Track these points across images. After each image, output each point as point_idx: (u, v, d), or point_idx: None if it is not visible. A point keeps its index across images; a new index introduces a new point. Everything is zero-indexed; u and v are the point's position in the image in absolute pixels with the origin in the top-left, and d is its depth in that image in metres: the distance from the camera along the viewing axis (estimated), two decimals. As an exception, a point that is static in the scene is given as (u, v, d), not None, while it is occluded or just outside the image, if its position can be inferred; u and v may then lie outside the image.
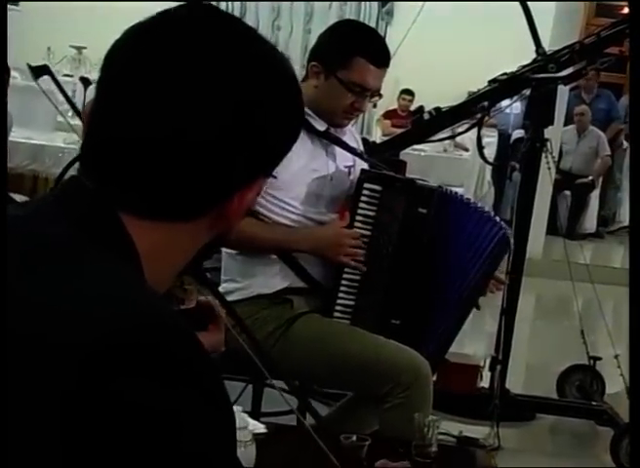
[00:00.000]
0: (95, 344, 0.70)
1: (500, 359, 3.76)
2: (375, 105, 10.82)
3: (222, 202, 0.89)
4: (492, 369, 3.82)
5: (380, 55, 2.64)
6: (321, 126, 2.65)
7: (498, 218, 2.80)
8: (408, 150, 6.26)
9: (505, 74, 3.84)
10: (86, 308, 0.73)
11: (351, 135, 2.83)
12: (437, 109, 3.76)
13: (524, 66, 3.82)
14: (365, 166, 2.73)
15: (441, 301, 2.70)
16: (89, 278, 0.77)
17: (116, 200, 0.85)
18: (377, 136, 9.22)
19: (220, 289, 2.61)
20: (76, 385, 0.68)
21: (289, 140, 0.94)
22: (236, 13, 10.60)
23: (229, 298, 2.52)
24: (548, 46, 4.26)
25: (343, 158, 2.73)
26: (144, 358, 0.70)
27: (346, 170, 2.74)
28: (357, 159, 2.78)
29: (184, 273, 0.95)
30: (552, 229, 7.75)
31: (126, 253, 0.83)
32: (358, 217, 2.63)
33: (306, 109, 2.61)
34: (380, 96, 2.73)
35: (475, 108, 3.78)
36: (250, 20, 10.58)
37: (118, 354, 0.70)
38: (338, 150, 2.71)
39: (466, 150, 9.13)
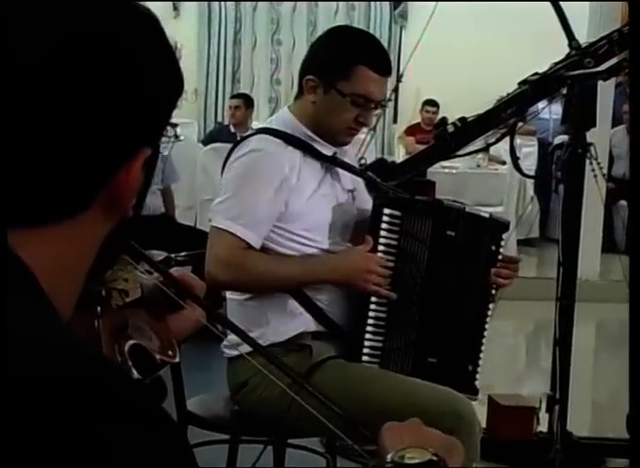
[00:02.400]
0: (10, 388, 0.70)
1: (558, 397, 3.74)
2: (395, 120, 10.87)
3: (105, 184, 0.86)
4: (549, 409, 3.80)
5: (382, 62, 2.67)
6: (328, 150, 2.69)
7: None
8: (436, 169, 6.29)
9: (537, 74, 3.85)
10: None
11: (351, 155, 2.87)
12: (462, 119, 3.77)
13: (557, 63, 3.83)
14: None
15: (471, 320, 2.77)
16: None
17: None
18: (399, 156, 9.25)
19: (226, 342, 2.63)
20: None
21: (162, 98, 0.90)
22: (230, 28, 10.69)
23: (237, 351, 2.54)
24: (586, 38, 4.29)
25: (346, 182, 2.77)
26: (68, 396, 0.70)
27: (350, 194, 2.77)
28: (359, 183, 2.81)
29: (95, 276, 0.92)
30: (609, 246, 7.73)
31: (20, 280, 0.81)
32: (380, 248, 2.66)
33: (309, 132, 2.64)
34: (384, 106, 2.76)
35: (505, 115, 3.80)
36: (246, 36, 10.68)
37: (36, 395, 0.69)
38: (340, 173, 2.75)
39: (503, 163, 9.14)
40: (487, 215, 2.85)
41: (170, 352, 1.44)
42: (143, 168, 0.89)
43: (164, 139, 0.94)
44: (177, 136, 4.57)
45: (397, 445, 1.24)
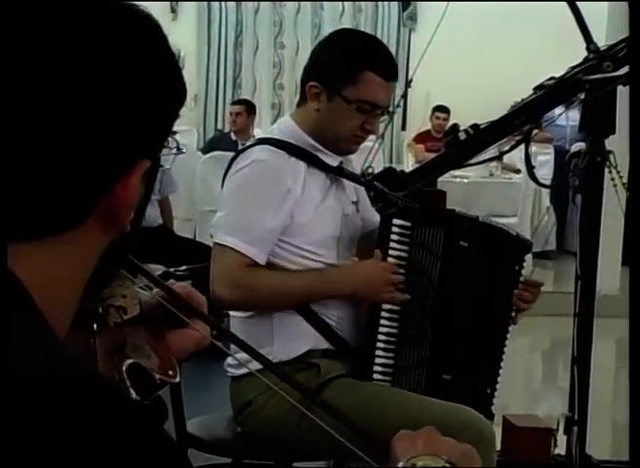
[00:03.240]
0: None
1: (577, 419, 3.73)
2: (404, 128, 10.88)
3: (101, 197, 0.86)
4: (567, 431, 3.79)
5: (388, 66, 2.69)
6: (333, 160, 2.70)
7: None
8: (447, 178, 6.29)
9: (553, 78, 3.85)
10: None
11: (356, 164, 2.89)
12: (474, 126, 3.77)
13: (574, 67, 3.83)
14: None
15: (488, 341, 2.77)
16: None
17: None
18: (408, 165, 9.26)
19: (231, 360, 2.63)
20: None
21: (162, 107, 0.90)
22: (230, 31, 10.71)
23: (243, 371, 2.54)
24: (604, 40, 4.29)
25: (350, 192, 2.78)
26: (65, 419, 0.70)
27: (354, 206, 2.77)
28: (361, 194, 2.81)
29: (93, 292, 0.92)
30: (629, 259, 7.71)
31: (14, 297, 0.80)
32: (390, 260, 2.66)
33: (313, 141, 2.64)
34: (389, 113, 2.77)
35: (520, 121, 3.80)
36: (248, 39, 10.70)
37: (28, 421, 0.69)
38: (346, 184, 2.76)
39: (517, 172, 9.15)
40: (514, 233, 2.87)
41: (170, 372, 1.42)
42: (143, 180, 0.89)
43: (165, 151, 0.94)
44: (179, 149, 4.56)
45: (410, 453, 1.22)
